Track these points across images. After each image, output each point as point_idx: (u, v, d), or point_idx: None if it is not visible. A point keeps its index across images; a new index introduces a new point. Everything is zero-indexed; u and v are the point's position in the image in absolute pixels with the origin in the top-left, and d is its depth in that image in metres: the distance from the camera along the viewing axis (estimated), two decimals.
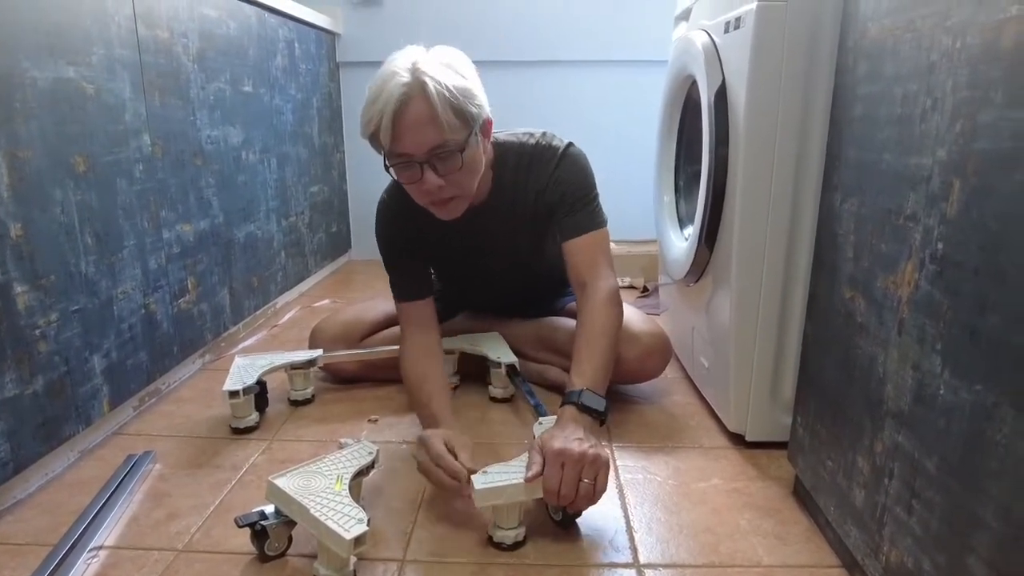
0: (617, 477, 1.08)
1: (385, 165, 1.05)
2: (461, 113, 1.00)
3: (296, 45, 2.08)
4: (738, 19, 1.07)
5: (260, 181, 1.82)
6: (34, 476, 1.04)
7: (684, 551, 0.90)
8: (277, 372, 1.33)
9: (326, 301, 2.10)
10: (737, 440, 1.18)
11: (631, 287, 2.23)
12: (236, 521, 0.87)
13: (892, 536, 0.70)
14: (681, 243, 1.41)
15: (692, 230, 1.30)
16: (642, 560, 0.88)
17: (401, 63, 1.01)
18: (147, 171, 1.28)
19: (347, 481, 0.88)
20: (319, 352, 1.36)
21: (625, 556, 0.89)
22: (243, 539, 0.89)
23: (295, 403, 1.34)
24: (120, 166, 1.20)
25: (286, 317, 1.93)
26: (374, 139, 1.03)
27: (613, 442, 1.19)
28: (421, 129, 0.99)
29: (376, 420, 1.28)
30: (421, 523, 0.95)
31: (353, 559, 0.83)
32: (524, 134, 1.23)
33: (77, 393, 1.09)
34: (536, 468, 0.88)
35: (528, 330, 1.43)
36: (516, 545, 0.90)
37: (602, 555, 0.89)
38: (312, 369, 1.36)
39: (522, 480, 0.87)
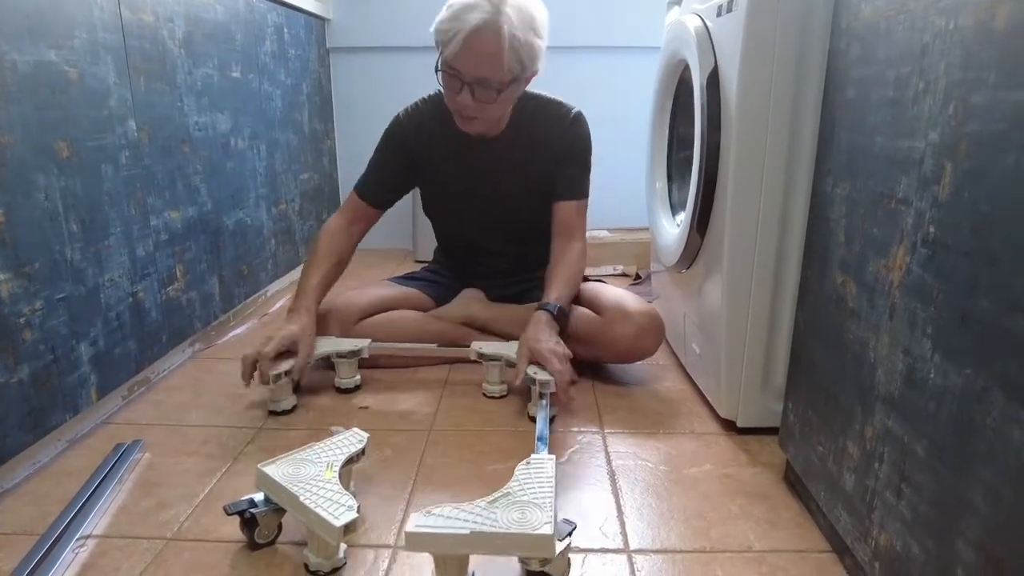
0: (608, 463, 1.08)
1: (436, 67, 1.21)
2: (520, 63, 1.18)
3: (285, 30, 2.05)
4: (730, 2, 1.06)
5: (249, 168, 1.80)
6: (21, 466, 1.03)
7: (675, 536, 0.90)
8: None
9: None
10: (728, 426, 1.18)
11: (623, 275, 2.23)
12: (225, 509, 0.86)
13: (881, 520, 0.70)
14: (673, 229, 1.41)
15: (684, 216, 1.29)
16: (632, 546, 0.88)
17: None
18: (133, 157, 1.26)
19: (337, 468, 0.88)
20: (367, 342, 1.34)
21: (616, 542, 0.89)
22: (232, 527, 0.89)
23: (340, 391, 1.33)
24: (105, 152, 1.18)
25: (277, 305, 1.92)
26: (441, 45, 1.19)
27: (605, 428, 1.19)
28: (482, 59, 1.16)
29: (367, 407, 1.27)
30: (412, 509, 0.95)
31: (343, 546, 0.83)
32: (542, 93, 1.38)
33: (64, 382, 1.08)
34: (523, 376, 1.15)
35: (521, 314, 1.42)
36: None
37: (592, 541, 0.89)
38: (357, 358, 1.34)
39: (470, 530, 0.74)
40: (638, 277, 2.17)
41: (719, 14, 1.11)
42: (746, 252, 1.09)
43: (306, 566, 0.82)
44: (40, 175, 1.03)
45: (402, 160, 1.41)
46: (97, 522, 0.92)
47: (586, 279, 1.52)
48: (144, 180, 1.30)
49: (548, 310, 1.24)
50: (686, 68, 1.28)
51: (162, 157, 1.37)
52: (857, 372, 0.77)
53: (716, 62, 1.13)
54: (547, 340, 1.18)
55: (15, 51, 0.97)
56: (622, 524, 0.93)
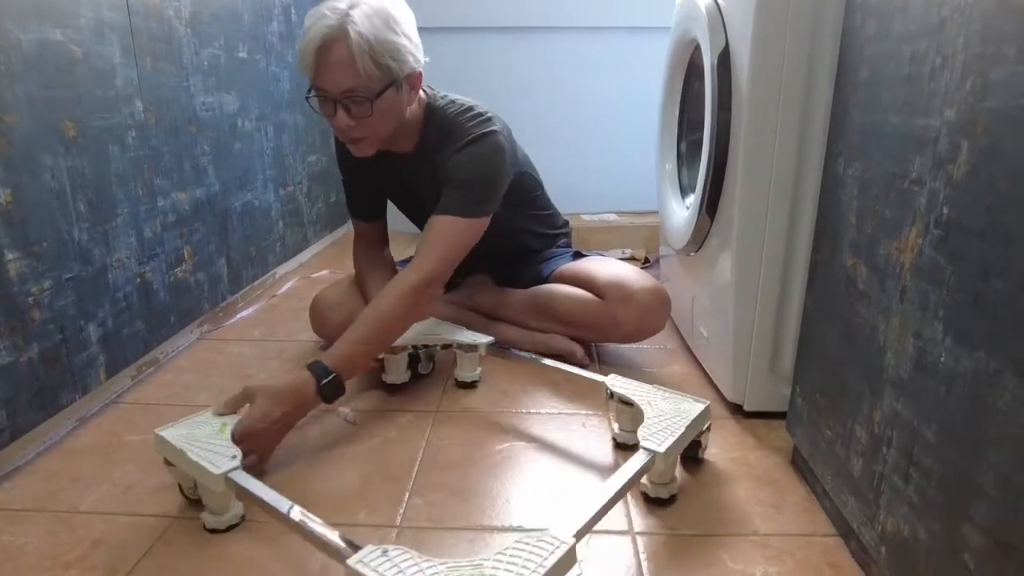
0: (614, 445, 1.08)
1: (306, 95, 1.13)
2: (380, 65, 1.07)
3: (293, 11, 2.04)
4: None
5: (257, 149, 1.80)
6: (32, 444, 1.04)
7: (680, 519, 0.90)
8: None
9: (325, 272, 2.09)
10: (736, 410, 1.17)
11: (632, 258, 2.22)
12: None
13: (889, 505, 0.70)
14: (682, 212, 1.40)
15: (694, 198, 1.28)
16: (637, 528, 0.88)
17: (336, 3, 1.06)
18: (140, 138, 1.26)
19: (231, 427, 0.93)
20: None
21: (620, 524, 0.89)
22: (239, 508, 0.89)
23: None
24: (112, 132, 1.18)
25: (285, 287, 1.92)
26: (301, 67, 1.10)
27: (611, 411, 1.19)
28: (338, 70, 1.06)
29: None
30: (417, 490, 0.96)
31: (238, 504, 0.88)
32: (461, 105, 1.24)
33: (73, 361, 1.09)
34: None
35: (525, 300, 1.42)
36: None
37: (597, 523, 0.89)
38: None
39: None
40: (647, 260, 2.16)
41: None
42: (756, 234, 1.07)
43: (204, 526, 0.87)
44: (47, 155, 1.03)
45: (350, 176, 1.38)
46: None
47: (583, 255, 1.49)
48: (151, 161, 1.30)
49: (312, 371, 1.02)
50: (697, 48, 1.26)
51: (169, 138, 1.36)
52: (866, 355, 0.76)
53: (727, 41, 1.11)
54: (257, 417, 0.96)
55: (20, 30, 0.97)
56: (627, 506, 0.92)
